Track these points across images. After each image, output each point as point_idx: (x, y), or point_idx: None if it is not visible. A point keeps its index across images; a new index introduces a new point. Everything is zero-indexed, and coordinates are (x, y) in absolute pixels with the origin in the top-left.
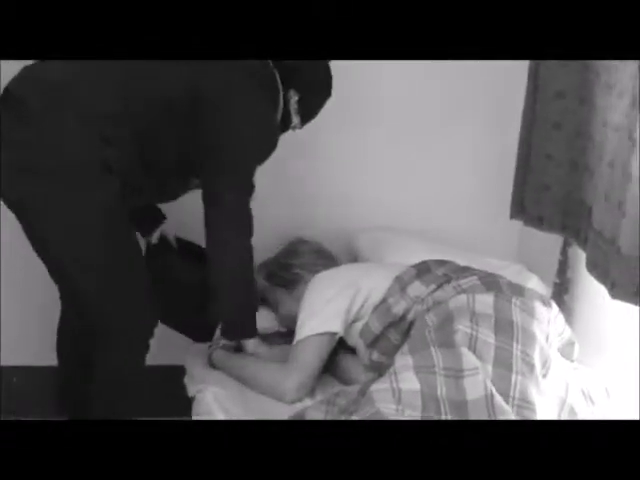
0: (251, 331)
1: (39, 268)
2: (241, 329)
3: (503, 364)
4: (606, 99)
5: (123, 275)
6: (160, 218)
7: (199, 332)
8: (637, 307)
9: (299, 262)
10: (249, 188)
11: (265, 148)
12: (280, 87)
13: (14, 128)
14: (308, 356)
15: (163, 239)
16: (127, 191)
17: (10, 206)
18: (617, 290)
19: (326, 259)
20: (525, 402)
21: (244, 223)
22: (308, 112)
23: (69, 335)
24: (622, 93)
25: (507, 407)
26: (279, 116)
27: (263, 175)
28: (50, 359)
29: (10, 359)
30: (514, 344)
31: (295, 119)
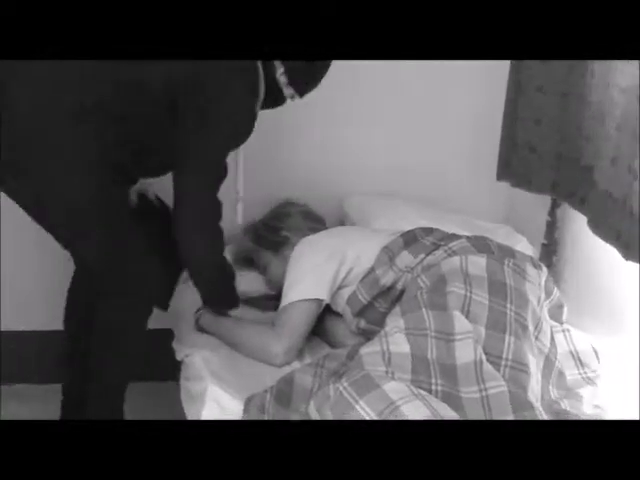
0: (232, 303)
1: (40, 233)
2: (222, 305)
3: (497, 325)
4: (607, 61)
5: (121, 237)
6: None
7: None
8: (623, 267)
9: (287, 224)
10: (218, 179)
11: (238, 137)
12: (259, 66)
13: None
14: (294, 321)
15: (142, 197)
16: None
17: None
18: (631, 251)
19: (314, 222)
20: (518, 364)
21: (211, 217)
22: (302, 81)
23: (78, 298)
24: None
25: (496, 373)
26: (260, 96)
27: (253, 138)
28: (50, 325)
29: (11, 325)
30: (508, 305)
31: (287, 91)
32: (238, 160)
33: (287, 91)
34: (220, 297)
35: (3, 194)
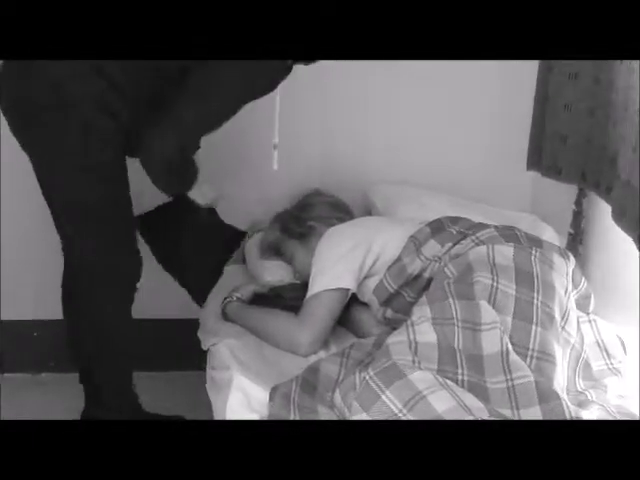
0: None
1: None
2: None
3: (523, 315)
4: None
5: (108, 222)
6: None
7: (202, 292)
8: None
9: (314, 214)
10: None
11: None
12: None
13: (13, 74)
14: (321, 311)
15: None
16: (129, 137)
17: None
18: None
19: (341, 212)
20: (545, 354)
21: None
22: None
23: (69, 286)
24: None
25: (523, 363)
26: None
27: (280, 127)
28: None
29: (31, 313)
30: (535, 295)
31: None
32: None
33: None
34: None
35: (3, 183)
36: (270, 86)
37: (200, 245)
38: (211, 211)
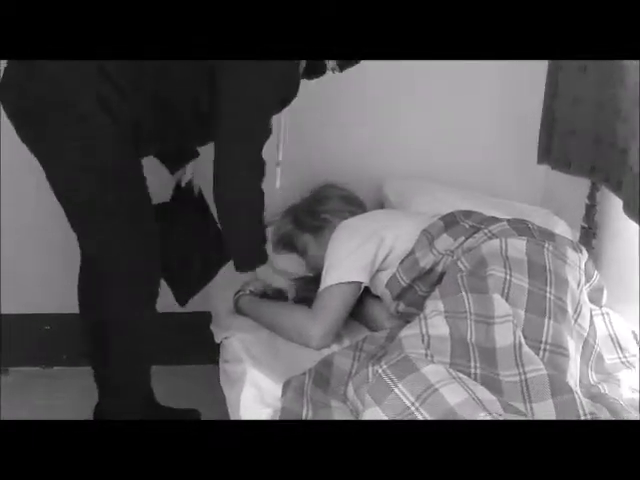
0: (262, 258)
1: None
2: (252, 259)
3: (536, 309)
4: None
5: (125, 220)
6: (190, 155)
7: (185, 293)
8: None
9: (327, 208)
10: (261, 141)
11: (281, 100)
12: None
13: (17, 73)
14: (333, 304)
15: (189, 185)
16: (139, 134)
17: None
18: None
19: (354, 205)
20: (557, 347)
21: (254, 167)
22: None
23: (87, 284)
24: None
25: (535, 357)
26: (302, 62)
27: (294, 120)
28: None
29: (42, 307)
30: (547, 289)
31: (330, 62)
32: (280, 128)
33: (330, 62)
34: (251, 249)
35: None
36: (294, 92)
37: (191, 248)
38: (210, 218)
